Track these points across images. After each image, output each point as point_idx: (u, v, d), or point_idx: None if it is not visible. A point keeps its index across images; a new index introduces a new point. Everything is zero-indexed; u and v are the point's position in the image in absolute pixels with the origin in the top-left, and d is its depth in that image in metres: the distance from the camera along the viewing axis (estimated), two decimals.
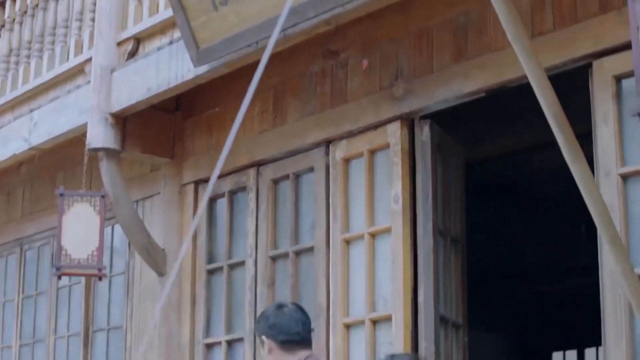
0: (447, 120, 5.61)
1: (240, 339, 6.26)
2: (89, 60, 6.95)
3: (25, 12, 8.02)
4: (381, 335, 5.49)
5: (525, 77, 4.94)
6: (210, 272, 6.58)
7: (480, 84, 5.21)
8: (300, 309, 4.17)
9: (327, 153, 5.92)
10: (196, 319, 6.57)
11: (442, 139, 5.64)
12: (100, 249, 6.50)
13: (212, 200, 6.67)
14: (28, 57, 7.88)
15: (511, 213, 8.83)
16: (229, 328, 6.39)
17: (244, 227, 6.39)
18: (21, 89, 7.79)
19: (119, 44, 6.75)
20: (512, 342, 10.80)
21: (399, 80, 5.57)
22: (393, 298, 5.42)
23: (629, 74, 4.57)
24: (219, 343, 6.42)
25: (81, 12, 7.40)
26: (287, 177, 6.17)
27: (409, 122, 5.56)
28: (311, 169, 6.01)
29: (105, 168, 6.62)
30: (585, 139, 4.14)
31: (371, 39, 5.75)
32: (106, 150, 6.60)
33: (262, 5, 5.44)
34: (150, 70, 6.36)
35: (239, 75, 6.22)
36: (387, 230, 5.51)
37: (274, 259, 6.17)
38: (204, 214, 6.66)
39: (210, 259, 6.60)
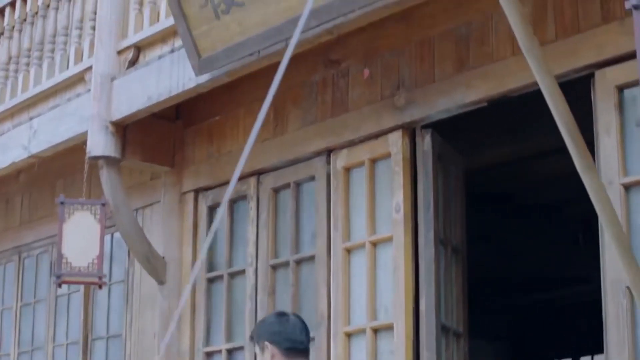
0: (446, 130, 5.62)
1: (241, 348, 6.26)
2: (89, 68, 6.95)
3: (25, 19, 8.02)
4: (382, 344, 5.49)
5: (526, 87, 5.04)
6: (211, 281, 6.58)
7: (481, 93, 5.23)
8: (301, 318, 4.22)
9: (328, 162, 5.93)
10: (196, 328, 6.57)
11: (442, 148, 5.66)
12: (100, 257, 6.50)
13: (212, 209, 6.68)
14: (28, 65, 7.88)
15: (509, 222, 8.84)
16: (229, 337, 6.39)
17: (244, 236, 6.39)
18: (21, 97, 7.78)
19: (120, 52, 6.76)
20: (510, 350, 10.81)
21: (401, 90, 5.59)
22: (394, 307, 5.42)
23: (632, 84, 4.61)
24: (219, 351, 6.42)
25: (81, 20, 7.40)
26: (287, 185, 6.18)
27: (410, 131, 5.57)
28: (312, 178, 6.02)
29: (106, 176, 6.63)
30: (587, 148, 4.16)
31: (373, 49, 5.76)
32: (106, 159, 6.60)
33: (264, 14, 5.45)
34: (151, 79, 6.37)
35: (240, 84, 6.24)
36: (389, 239, 5.52)
37: (274, 267, 6.17)
38: (204, 222, 6.68)
39: (211, 267, 6.60)
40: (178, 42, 6.26)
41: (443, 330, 5.48)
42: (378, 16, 5.24)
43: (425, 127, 5.53)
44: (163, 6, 6.52)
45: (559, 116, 2.88)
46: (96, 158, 6.61)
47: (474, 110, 5.36)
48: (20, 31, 8.08)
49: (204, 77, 5.99)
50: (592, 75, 4.77)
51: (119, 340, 7.26)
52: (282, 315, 4.23)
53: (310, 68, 6.06)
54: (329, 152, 5.93)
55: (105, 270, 6.86)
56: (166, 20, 6.45)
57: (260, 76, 6.05)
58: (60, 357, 7.81)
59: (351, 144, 5.80)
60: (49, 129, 7.26)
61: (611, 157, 4.64)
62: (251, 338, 4.23)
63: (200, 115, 6.82)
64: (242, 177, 6.42)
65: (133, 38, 6.70)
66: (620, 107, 4.67)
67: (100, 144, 6.57)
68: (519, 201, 8.62)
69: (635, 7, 3.17)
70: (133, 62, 6.70)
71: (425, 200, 5.48)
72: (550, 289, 10.11)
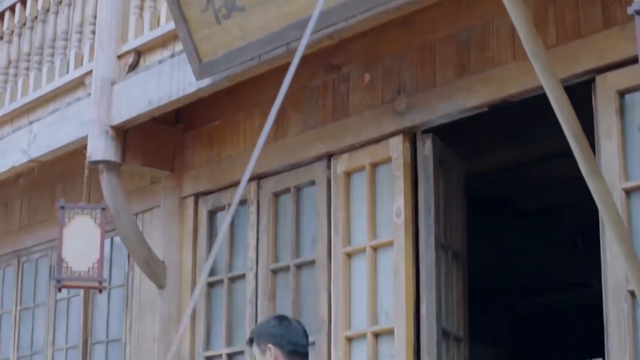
0: (447, 134, 5.63)
1: (241, 352, 6.26)
2: (89, 72, 6.95)
3: (25, 24, 8.01)
4: (383, 348, 5.50)
5: (527, 91, 5.05)
6: (211, 285, 6.58)
7: (482, 98, 5.24)
8: (301, 323, 4.25)
9: (328, 167, 5.93)
10: (196, 332, 6.57)
11: (443, 153, 5.66)
12: (100, 261, 6.50)
13: (213, 213, 6.68)
14: (27, 69, 7.88)
15: (508, 226, 8.85)
16: (230, 341, 6.39)
17: (244, 240, 6.39)
18: (20, 101, 7.78)
19: (120, 56, 6.76)
20: (510, 354, 10.80)
21: (402, 95, 5.59)
22: (395, 311, 5.43)
23: (633, 89, 4.62)
24: (220, 356, 6.42)
25: (81, 25, 7.40)
26: (288, 190, 6.18)
27: (411, 136, 5.58)
28: (312, 183, 6.02)
29: (106, 180, 6.63)
30: None
31: (373, 53, 5.77)
32: (107, 163, 6.60)
33: (265, 19, 5.46)
34: (152, 83, 6.37)
35: (240, 89, 6.24)
36: (389, 244, 5.52)
37: (275, 272, 6.17)
38: (204, 226, 6.68)
39: (211, 271, 6.60)
40: (178, 47, 6.26)
41: (444, 334, 5.49)
42: (379, 21, 5.24)
43: (426, 131, 5.54)
44: (163, 11, 6.52)
45: (564, 120, 2.88)
46: (96, 162, 6.61)
47: (475, 115, 5.37)
48: (20, 35, 8.07)
49: (205, 82, 5.99)
50: (593, 80, 4.78)
51: (119, 344, 7.26)
52: (283, 318, 4.26)
53: (311, 73, 6.06)
54: (329, 156, 5.93)
55: (105, 274, 6.86)
56: (166, 25, 6.45)
57: (260, 81, 6.06)
58: None
59: (352, 148, 5.80)
60: (49, 133, 7.26)
61: (612, 162, 4.64)
62: (250, 340, 4.23)
63: (201, 119, 6.83)
64: None
65: (133, 42, 6.70)
66: (621, 112, 4.68)
67: (100, 149, 6.57)
68: (519, 206, 8.63)
69: (638, 12, 3.18)
70: (133, 67, 6.70)
71: (426, 205, 5.48)
72: (551, 293, 10.11)
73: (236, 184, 6.45)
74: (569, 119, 2.84)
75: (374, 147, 5.69)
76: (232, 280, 6.45)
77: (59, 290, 6.73)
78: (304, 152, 6.06)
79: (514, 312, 10.50)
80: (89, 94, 6.80)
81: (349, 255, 5.72)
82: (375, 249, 5.61)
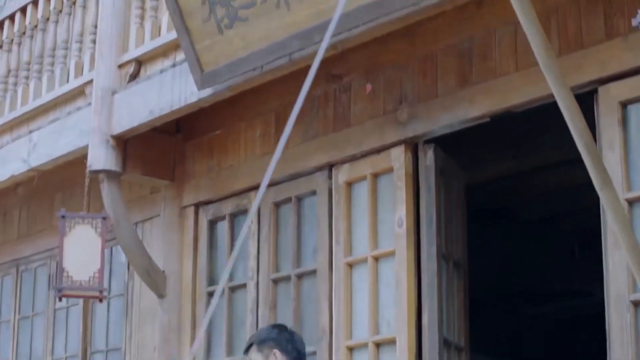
0: (448, 145, 5.64)
1: None
2: (90, 82, 6.96)
3: (25, 32, 8.02)
4: (385, 358, 5.50)
5: (529, 102, 5.06)
6: (211, 294, 6.57)
7: (484, 109, 5.24)
8: (298, 332, 4.34)
9: (329, 177, 5.93)
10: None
11: (445, 163, 5.67)
12: (101, 270, 6.51)
13: (213, 223, 6.68)
14: (27, 78, 7.88)
15: (509, 235, 8.85)
16: (230, 350, 6.39)
17: (245, 250, 6.39)
18: (20, 110, 7.78)
19: (120, 66, 6.76)
20: None
21: (403, 105, 5.60)
22: (397, 321, 5.43)
23: (635, 100, 4.63)
24: None
25: (82, 34, 7.40)
26: (289, 200, 6.18)
27: (413, 146, 5.58)
28: (314, 193, 6.02)
29: (106, 190, 6.63)
30: None
31: (375, 64, 5.78)
32: (107, 172, 6.61)
33: (267, 29, 5.47)
34: (153, 93, 6.37)
35: (241, 98, 6.25)
36: (391, 254, 5.53)
37: (275, 281, 6.17)
38: (204, 236, 6.68)
39: (211, 281, 6.60)
40: (180, 56, 6.27)
41: (445, 344, 5.49)
42: (382, 32, 5.26)
43: (427, 142, 5.54)
44: (164, 20, 6.53)
45: (575, 130, 2.89)
46: (97, 172, 6.61)
47: (477, 125, 5.37)
48: (20, 44, 8.08)
49: (206, 92, 6.00)
50: (595, 91, 4.79)
51: (119, 353, 7.25)
52: (283, 327, 4.35)
53: (312, 82, 6.05)
54: (330, 166, 5.93)
55: (105, 283, 6.86)
56: (168, 34, 6.46)
57: (261, 90, 6.06)
58: None
59: (353, 158, 5.81)
60: (49, 143, 7.26)
61: (615, 173, 4.64)
62: (249, 345, 4.21)
63: (201, 129, 6.83)
64: (243, 191, 6.43)
65: (134, 52, 6.71)
66: (624, 122, 4.69)
67: (100, 158, 6.57)
68: (520, 215, 8.64)
69: None
70: (134, 76, 6.70)
71: (427, 215, 5.49)
72: (552, 302, 10.12)
73: (237, 193, 6.45)
74: (580, 128, 2.85)
75: (375, 157, 5.70)
76: (233, 289, 6.44)
77: (59, 299, 6.73)
78: (305, 162, 6.06)
79: (515, 321, 10.50)
80: (89, 103, 6.81)
81: (350, 265, 5.73)
82: (376, 259, 5.62)
